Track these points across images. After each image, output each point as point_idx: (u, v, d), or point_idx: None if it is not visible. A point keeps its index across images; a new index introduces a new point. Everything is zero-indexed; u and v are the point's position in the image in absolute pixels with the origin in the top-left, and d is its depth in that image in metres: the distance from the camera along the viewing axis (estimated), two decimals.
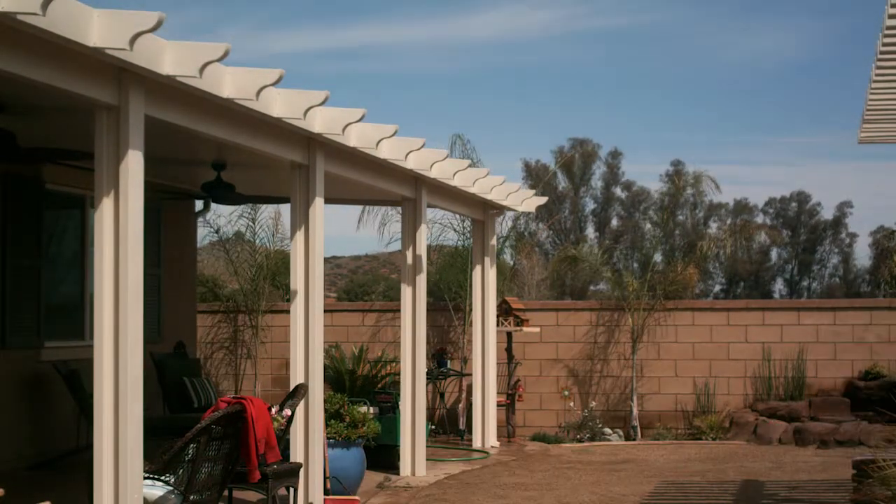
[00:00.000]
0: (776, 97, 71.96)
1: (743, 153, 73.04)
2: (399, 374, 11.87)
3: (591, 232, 49.74)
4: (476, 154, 16.07)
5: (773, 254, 51.05)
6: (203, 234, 16.00)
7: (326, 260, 12.52)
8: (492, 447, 14.02)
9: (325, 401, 9.94)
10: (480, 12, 74.79)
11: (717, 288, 48.81)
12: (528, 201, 14.88)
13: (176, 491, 7.02)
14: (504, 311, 15.21)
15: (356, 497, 9.62)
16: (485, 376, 14.23)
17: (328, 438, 9.85)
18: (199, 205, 14.54)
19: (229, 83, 7.43)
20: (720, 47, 73.33)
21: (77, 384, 10.56)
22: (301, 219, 9.30)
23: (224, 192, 11.73)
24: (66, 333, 11.60)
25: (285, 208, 16.42)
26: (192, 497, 7.10)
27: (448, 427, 15.52)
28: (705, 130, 72.75)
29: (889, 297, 20.77)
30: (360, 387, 13.32)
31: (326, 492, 9.44)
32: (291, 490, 8.72)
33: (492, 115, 78.34)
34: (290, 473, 8.50)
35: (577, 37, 74.45)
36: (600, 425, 15.72)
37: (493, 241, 14.74)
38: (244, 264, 16.47)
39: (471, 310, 15.00)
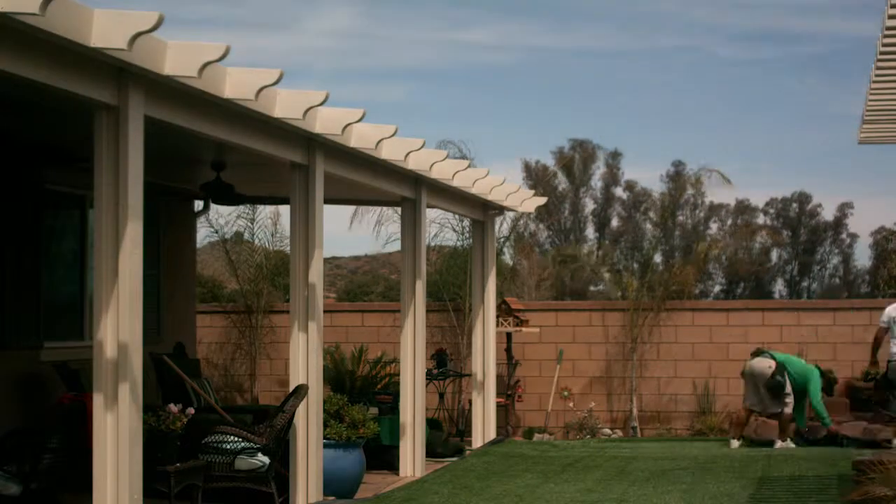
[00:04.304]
0: (776, 96, 71.96)
1: (743, 153, 73.02)
2: (399, 374, 11.88)
3: (591, 232, 49.72)
4: (471, 157, 16.09)
5: (774, 254, 51.02)
6: (202, 235, 16.02)
7: (326, 260, 12.54)
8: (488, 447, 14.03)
9: (325, 401, 9.95)
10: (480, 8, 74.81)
11: (718, 288, 48.76)
12: (527, 202, 14.89)
13: (15, 479, 7.48)
14: (504, 311, 15.23)
15: None
16: (484, 377, 14.24)
17: (327, 439, 9.85)
18: (198, 205, 14.54)
19: (229, 83, 7.43)
20: (718, 46, 73.36)
21: (77, 384, 10.56)
22: (301, 219, 9.30)
23: (224, 193, 11.73)
24: (66, 333, 11.59)
25: (284, 208, 16.46)
26: (32, 485, 7.65)
27: (448, 428, 15.52)
28: (705, 130, 72.75)
29: (889, 297, 20.77)
30: (359, 387, 13.31)
31: None
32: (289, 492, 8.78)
33: (491, 114, 78.33)
34: (193, 472, 8.45)
35: (577, 36, 74.44)
36: (600, 425, 15.74)
37: (493, 242, 14.75)
38: (243, 264, 16.48)
39: (470, 310, 15.01)
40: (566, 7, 68.51)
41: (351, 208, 16.27)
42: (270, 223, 16.53)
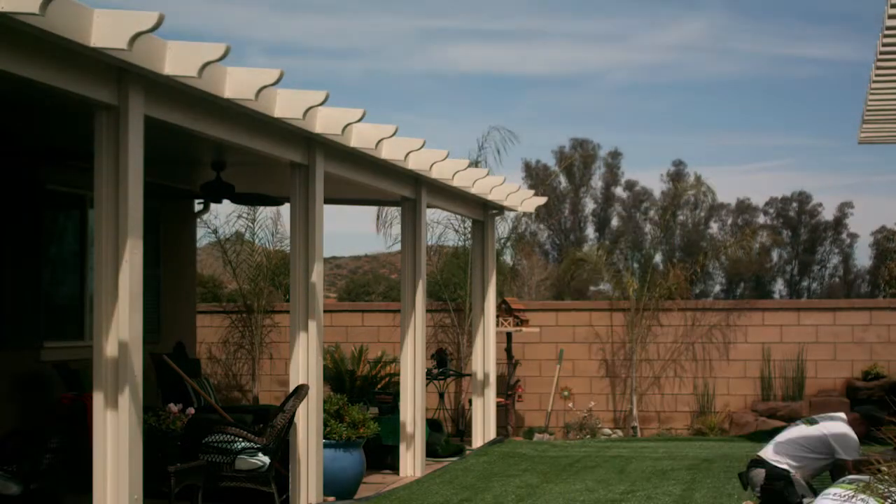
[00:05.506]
0: (777, 97, 71.99)
1: (744, 153, 73.07)
2: (399, 374, 11.88)
3: (591, 232, 49.73)
4: (513, 141, 16.32)
5: (774, 254, 51.00)
6: (201, 234, 16.00)
7: (326, 260, 12.53)
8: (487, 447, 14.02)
9: (325, 401, 9.94)
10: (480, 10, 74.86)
11: (717, 288, 48.75)
12: (528, 201, 14.88)
13: (15, 479, 7.54)
14: (504, 311, 15.22)
15: None
16: (484, 376, 14.23)
17: (327, 439, 9.85)
18: (198, 205, 14.53)
19: (229, 83, 7.43)
20: (720, 46, 73.37)
21: (77, 384, 10.57)
22: (301, 219, 9.30)
23: (223, 193, 11.73)
24: (66, 333, 11.60)
25: (285, 209, 16.47)
26: (32, 485, 7.78)
27: (448, 428, 15.52)
28: (706, 130, 72.78)
29: (889, 297, 20.77)
30: (359, 387, 13.33)
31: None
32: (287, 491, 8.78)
33: (492, 114, 78.37)
34: (194, 472, 8.46)
35: (576, 38, 74.50)
36: (600, 425, 15.73)
37: (493, 242, 14.74)
38: (243, 264, 16.48)
39: (471, 310, 15.01)
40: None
41: (357, 208, 16.25)
42: (271, 223, 16.55)
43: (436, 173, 11.57)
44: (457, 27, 75.78)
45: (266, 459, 8.72)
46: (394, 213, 16.37)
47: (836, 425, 8.43)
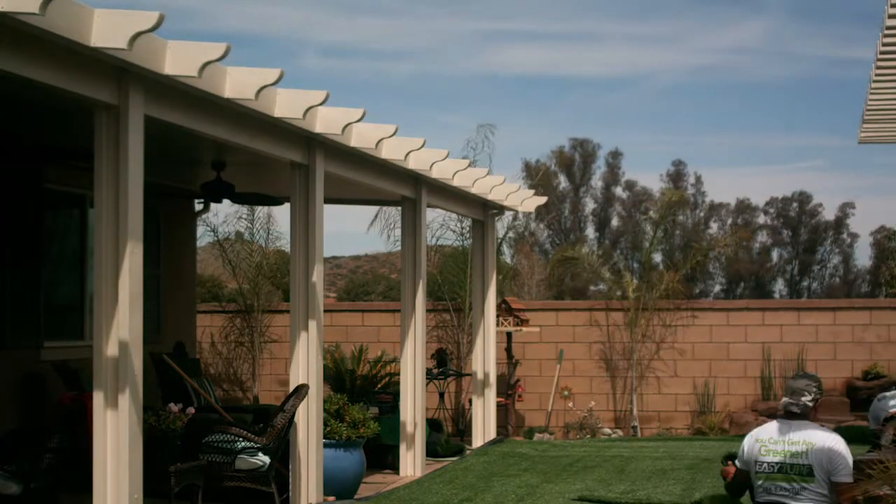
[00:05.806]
0: (778, 97, 71.99)
1: (744, 153, 73.07)
2: (399, 374, 11.88)
3: (591, 232, 49.73)
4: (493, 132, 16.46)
5: (774, 254, 51.02)
6: (201, 234, 16.01)
7: (326, 260, 12.53)
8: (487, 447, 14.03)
9: (325, 401, 9.94)
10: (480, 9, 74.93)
11: (718, 288, 48.75)
12: (527, 201, 14.88)
13: (15, 479, 7.62)
14: (504, 310, 15.23)
15: None
16: (485, 376, 14.24)
17: (328, 438, 9.85)
18: (198, 205, 14.54)
19: (229, 83, 7.43)
20: (720, 45, 73.39)
21: (77, 384, 10.57)
22: (301, 219, 9.30)
23: (224, 193, 11.73)
24: (66, 333, 11.60)
25: (277, 209, 16.50)
26: (32, 485, 7.82)
27: (448, 427, 15.53)
28: (706, 130, 72.78)
29: (889, 297, 20.77)
30: (359, 387, 13.33)
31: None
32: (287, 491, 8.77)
33: (492, 115, 78.38)
34: (194, 472, 8.44)
35: (577, 37, 74.53)
36: (600, 425, 15.74)
37: (494, 241, 14.74)
38: (243, 264, 16.48)
39: (471, 309, 15.01)
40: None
41: (358, 208, 16.29)
42: (265, 222, 16.56)
43: (436, 173, 11.57)
44: (457, 27, 75.88)
45: (266, 459, 8.72)
46: (391, 212, 16.37)
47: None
